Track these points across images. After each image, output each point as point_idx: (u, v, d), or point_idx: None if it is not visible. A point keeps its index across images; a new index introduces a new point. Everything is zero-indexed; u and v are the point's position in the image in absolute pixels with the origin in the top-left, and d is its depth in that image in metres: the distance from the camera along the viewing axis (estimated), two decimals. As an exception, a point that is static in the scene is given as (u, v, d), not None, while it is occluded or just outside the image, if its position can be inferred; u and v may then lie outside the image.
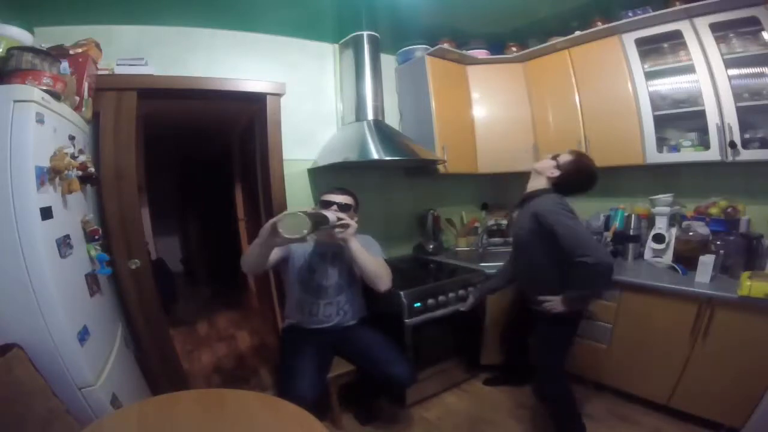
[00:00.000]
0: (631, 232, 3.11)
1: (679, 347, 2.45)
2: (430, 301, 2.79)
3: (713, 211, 2.79)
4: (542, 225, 2.17)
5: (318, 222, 1.95)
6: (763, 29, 2.42)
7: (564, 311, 2.19)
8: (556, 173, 2.31)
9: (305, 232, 1.82)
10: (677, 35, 2.70)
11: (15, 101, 1.54)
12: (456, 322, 2.90)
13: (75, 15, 2.46)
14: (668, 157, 2.89)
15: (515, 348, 2.92)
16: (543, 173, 2.34)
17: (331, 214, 2.22)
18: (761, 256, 2.52)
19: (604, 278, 2.10)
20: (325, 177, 3.29)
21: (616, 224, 3.16)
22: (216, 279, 6.56)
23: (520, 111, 3.61)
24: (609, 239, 3.13)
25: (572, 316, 2.26)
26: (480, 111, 3.64)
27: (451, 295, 2.88)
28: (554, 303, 2.21)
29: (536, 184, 2.36)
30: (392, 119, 3.57)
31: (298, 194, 3.22)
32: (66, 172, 1.75)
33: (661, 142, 2.91)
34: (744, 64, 2.56)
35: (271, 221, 1.92)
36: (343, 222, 2.26)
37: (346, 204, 2.45)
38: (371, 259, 2.40)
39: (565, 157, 2.32)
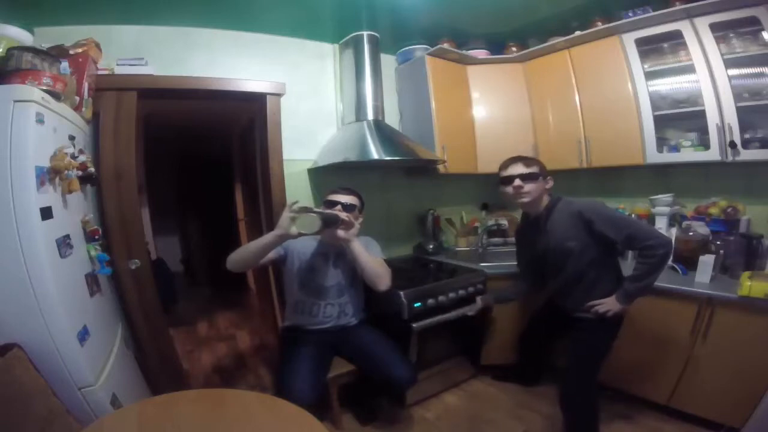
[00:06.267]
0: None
1: (679, 347, 2.45)
2: (430, 301, 2.76)
3: (713, 211, 2.78)
4: (589, 223, 2.12)
5: (328, 222, 2.13)
6: (763, 29, 2.42)
7: (621, 309, 2.17)
8: (551, 182, 2.31)
9: (314, 230, 2.04)
10: (677, 35, 2.70)
11: (15, 101, 1.54)
12: (458, 323, 2.87)
13: (75, 15, 2.46)
14: (668, 157, 2.89)
15: (532, 352, 2.91)
16: (541, 190, 2.29)
17: (337, 215, 2.26)
18: (761, 256, 2.51)
19: (667, 259, 2.05)
20: (325, 177, 3.30)
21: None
22: (216, 279, 6.52)
23: (520, 111, 3.60)
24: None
25: (620, 318, 2.24)
26: (480, 111, 3.63)
27: (451, 295, 2.85)
28: (608, 304, 2.18)
29: (543, 202, 2.32)
30: (392, 119, 3.56)
31: (298, 194, 3.18)
32: (66, 172, 1.75)
33: (661, 142, 2.90)
34: (744, 64, 2.55)
35: (289, 215, 2.05)
36: (346, 222, 2.28)
37: (351, 204, 2.44)
38: (372, 259, 2.40)
39: (533, 167, 2.27)
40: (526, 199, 2.26)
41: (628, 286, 2.13)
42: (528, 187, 2.23)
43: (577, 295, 2.29)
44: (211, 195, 6.77)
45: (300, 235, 2.07)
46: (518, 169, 2.25)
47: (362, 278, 2.49)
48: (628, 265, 2.46)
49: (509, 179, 2.26)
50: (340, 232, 2.28)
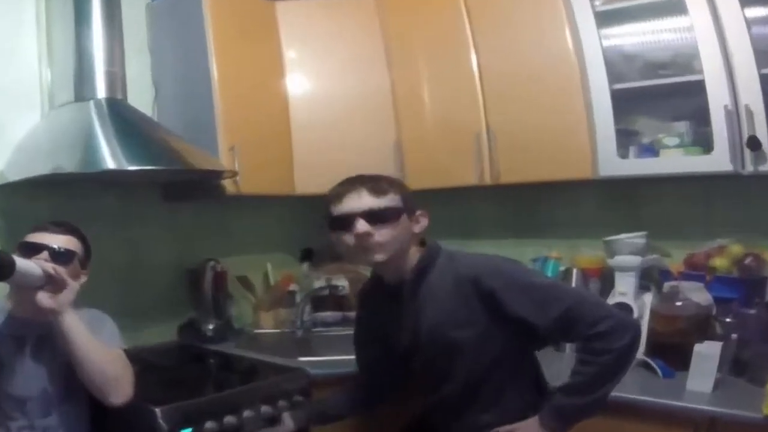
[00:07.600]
0: (571, 302, 2.30)
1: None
2: (209, 424, 1.93)
3: (719, 263, 2.06)
4: (492, 296, 1.48)
5: (23, 280, 1.50)
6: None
7: None
8: (424, 220, 1.67)
9: None
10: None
11: None
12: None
13: None
14: (638, 166, 2.12)
15: None
16: (407, 236, 1.62)
17: (36, 267, 1.52)
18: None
19: (630, 354, 1.45)
20: (19, 200, 2.42)
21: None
22: None
23: (371, 83, 2.67)
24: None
25: None
26: (300, 82, 2.66)
27: (247, 413, 2.03)
28: (529, 427, 1.57)
29: (411, 257, 1.65)
30: (141, 97, 2.62)
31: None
32: None
33: (626, 139, 2.12)
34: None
35: None
36: (55, 280, 1.55)
37: (65, 250, 1.76)
38: (100, 348, 1.69)
39: (389, 194, 1.59)
40: (380, 256, 1.58)
41: (563, 402, 1.52)
42: (382, 234, 1.54)
43: (473, 415, 1.69)
44: None
45: None
46: (363, 200, 1.57)
47: (83, 382, 1.78)
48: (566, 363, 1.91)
49: (346, 221, 1.57)
50: (43, 298, 1.54)
